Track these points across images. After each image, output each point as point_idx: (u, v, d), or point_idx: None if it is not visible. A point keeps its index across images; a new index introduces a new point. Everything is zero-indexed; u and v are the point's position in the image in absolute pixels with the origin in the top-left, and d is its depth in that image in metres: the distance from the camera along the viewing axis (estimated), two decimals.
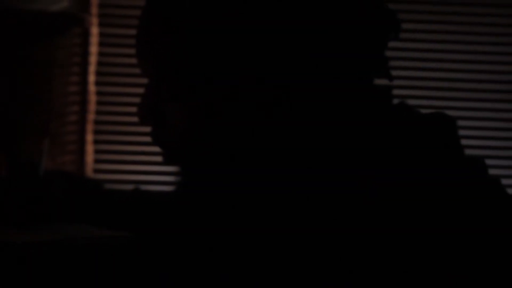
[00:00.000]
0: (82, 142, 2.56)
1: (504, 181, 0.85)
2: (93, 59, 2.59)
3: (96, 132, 2.60)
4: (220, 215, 0.80)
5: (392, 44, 0.88)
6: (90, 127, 2.58)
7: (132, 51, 2.66)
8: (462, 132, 0.87)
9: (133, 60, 2.63)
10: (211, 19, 0.83)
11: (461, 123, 0.97)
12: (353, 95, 0.84)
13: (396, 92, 0.89)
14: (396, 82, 0.89)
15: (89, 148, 2.58)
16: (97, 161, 2.62)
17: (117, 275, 0.81)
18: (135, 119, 2.65)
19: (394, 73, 0.88)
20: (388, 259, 0.75)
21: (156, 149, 2.57)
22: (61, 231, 1.00)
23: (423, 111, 0.88)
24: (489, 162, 0.87)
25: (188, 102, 0.85)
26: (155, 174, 2.66)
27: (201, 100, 0.84)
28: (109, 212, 1.12)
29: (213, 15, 0.83)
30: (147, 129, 2.81)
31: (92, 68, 2.59)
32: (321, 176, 0.79)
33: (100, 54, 2.61)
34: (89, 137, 2.58)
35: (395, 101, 0.88)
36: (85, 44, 2.58)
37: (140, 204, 1.12)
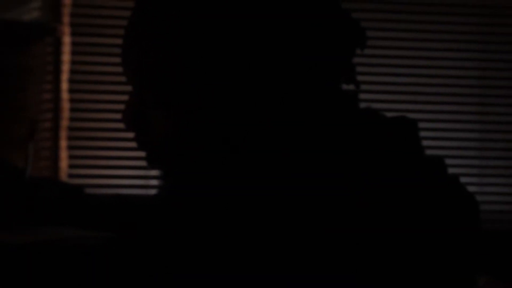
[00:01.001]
0: (56, 148, 2.59)
1: (463, 179, 0.88)
2: (65, 67, 2.62)
3: (70, 138, 2.64)
4: (204, 218, 0.80)
5: (358, 51, 0.92)
6: (64, 133, 2.61)
7: (103, 59, 2.69)
8: (423, 134, 0.90)
9: (105, 68, 2.66)
10: (194, 27, 0.85)
11: (422, 125, 1.02)
12: (322, 100, 0.87)
13: (362, 96, 0.93)
14: (363, 87, 0.93)
15: (63, 154, 2.61)
16: (71, 166, 2.65)
17: (103, 274, 0.81)
18: (108, 125, 2.61)
19: (360, 78, 0.92)
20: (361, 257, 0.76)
21: (131, 153, 2.55)
22: (48, 233, 1.01)
23: (387, 114, 0.91)
24: (448, 161, 0.89)
25: (172, 109, 0.87)
26: (130, 178, 2.69)
27: (185, 106, 0.86)
28: (93, 215, 1.13)
29: (195, 24, 0.85)
30: (121, 134, 2.75)
31: (65, 76, 2.62)
32: (291, 179, 0.80)
33: (73, 62, 2.64)
34: (63, 143, 2.61)
35: (362, 105, 0.91)
36: (58, 52, 2.61)
37: (123, 207, 1.14)
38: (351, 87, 0.91)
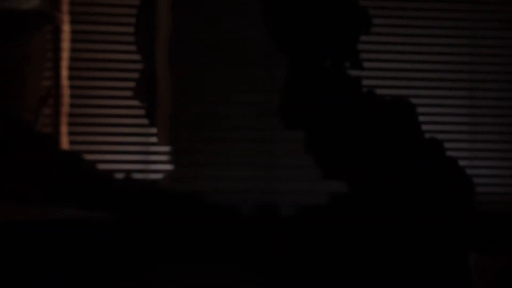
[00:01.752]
0: (57, 133, 2.61)
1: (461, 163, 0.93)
2: (65, 55, 2.64)
3: (70, 124, 2.66)
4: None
5: (363, 37, 0.96)
6: (64, 120, 2.64)
7: (102, 46, 2.64)
8: (422, 118, 0.95)
9: (104, 55, 2.67)
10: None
11: (422, 109, 1.03)
12: (331, 83, 0.89)
13: (365, 82, 0.97)
14: (366, 73, 0.97)
15: (64, 140, 2.64)
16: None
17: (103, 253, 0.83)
18: (107, 111, 2.55)
19: (365, 64, 0.97)
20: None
21: (130, 139, 2.70)
22: (52, 212, 1.01)
23: (388, 98, 0.96)
24: (447, 145, 0.95)
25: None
26: (130, 162, 2.72)
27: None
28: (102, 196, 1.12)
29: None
30: (121, 120, 2.68)
31: (64, 63, 2.65)
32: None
33: (72, 50, 2.67)
34: (64, 129, 2.64)
35: (365, 89, 0.95)
36: (57, 40, 2.63)
37: (131, 190, 1.13)
38: (355, 71, 0.94)
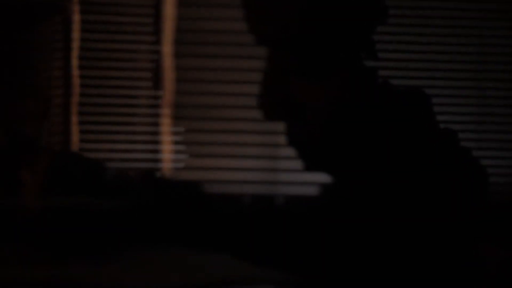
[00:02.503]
0: (67, 123, 2.60)
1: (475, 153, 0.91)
2: (75, 44, 2.63)
3: (80, 113, 2.64)
4: None
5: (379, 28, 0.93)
6: (74, 109, 2.62)
7: (112, 36, 2.64)
8: (438, 109, 0.93)
9: (114, 45, 2.67)
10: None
11: (438, 100, 1.02)
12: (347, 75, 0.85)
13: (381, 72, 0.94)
14: (381, 63, 0.93)
15: (74, 129, 2.62)
16: (82, 140, 2.65)
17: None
18: (118, 100, 2.41)
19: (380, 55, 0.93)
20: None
21: (139, 128, 2.56)
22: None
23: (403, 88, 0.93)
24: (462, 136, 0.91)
25: (333, 76, 0.78)
26: (141, 152, 2.67)
27: (351, 72, 0.78)
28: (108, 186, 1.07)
29: None
30: (130, 110, 2.63)
31: (74, 53, 2.64)
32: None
33: (82, 40, 2.65)
34: (74, 119, 2.63)
35: (380, 80, 0.92)
36: (67, 30, 2.62)
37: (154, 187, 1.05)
38: (371, 62, 0.91)
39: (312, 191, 0.94)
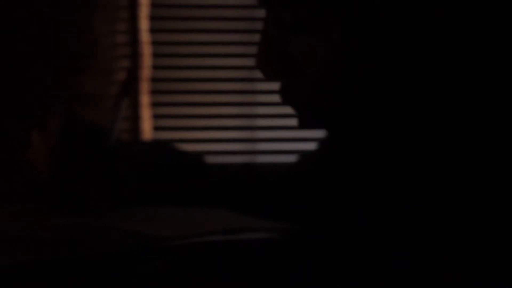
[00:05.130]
0: (135, 106, 2.31)
1: None
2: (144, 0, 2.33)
3: (153, 92, 2.34)
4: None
5: None
6: (145, 87, 2.32)
7: None
8: None
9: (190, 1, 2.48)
10: None
11: None
12: None
13: None
14: None
15: (145, 113, 2.31)
16: (156, 128, 2.35)
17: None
18: (200, 73, 2.31)
19: None
20: None
21: (230, 110, 2.41)
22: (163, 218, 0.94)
23: None
24: None
25: (332, 32, 0.81)
26: (229, 142, 2.39)
27: (352, 28, 0.80)
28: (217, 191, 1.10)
29: None
30: (218, 86, 2.60)
31: (143, 11, 2.33)
32: None
33: None
34: (145, 99, 2.31)
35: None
36: None
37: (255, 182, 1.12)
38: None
39: (291, 159, 1.10)
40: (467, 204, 0.75)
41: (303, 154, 1.07)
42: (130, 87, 1.05)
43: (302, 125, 0.85)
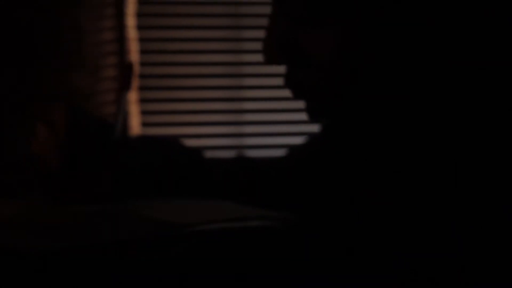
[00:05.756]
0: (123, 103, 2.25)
1: None
2: None
3: (141, 88, 2.36)
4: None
5: None
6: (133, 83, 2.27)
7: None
8: None
9: None
10: None
11: None
12: None
13: None
14: None
15: (133, 109, 2.32)
16: (144, 124, 2.36)
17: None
18: (188, 70, 2.32)
19: None
20: None
21: (218, 105, 2.42)
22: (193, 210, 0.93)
23: None
24: None
25: (342, 26, 0.81)
26: (217, 137, 2.42)
27: (361, 22, 0.80)
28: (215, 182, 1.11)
29: None
30: (206, 82, 2.58)
31: (130, 8, 2.35)
32: None
33: None
34: (133, 96, 2.32)
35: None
36: None
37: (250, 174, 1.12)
38: None
39: (278, 153, 1.10)
40: (466, 202, 0.75)
41: (293, 147, 1.08)
42: (131, 81, 1.06)
43: (312, 118, 0.85)
